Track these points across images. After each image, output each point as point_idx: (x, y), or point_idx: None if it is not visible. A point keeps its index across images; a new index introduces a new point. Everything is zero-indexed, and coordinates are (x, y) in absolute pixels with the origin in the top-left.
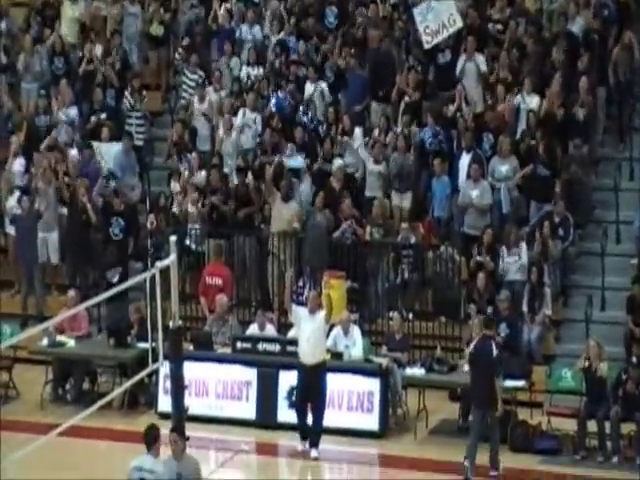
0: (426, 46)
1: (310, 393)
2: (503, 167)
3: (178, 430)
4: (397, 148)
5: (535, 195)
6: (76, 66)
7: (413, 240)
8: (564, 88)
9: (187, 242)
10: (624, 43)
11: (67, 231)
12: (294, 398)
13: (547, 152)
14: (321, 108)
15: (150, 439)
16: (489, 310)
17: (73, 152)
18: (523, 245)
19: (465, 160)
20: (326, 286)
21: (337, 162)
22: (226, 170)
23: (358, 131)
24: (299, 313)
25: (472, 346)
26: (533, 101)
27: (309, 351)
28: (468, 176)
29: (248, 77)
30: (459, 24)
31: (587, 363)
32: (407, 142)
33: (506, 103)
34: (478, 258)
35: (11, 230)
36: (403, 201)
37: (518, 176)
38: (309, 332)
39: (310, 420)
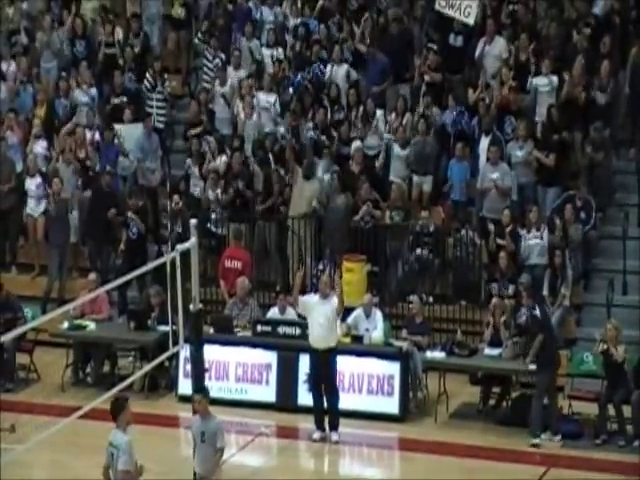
0: (437, 7)
1: (322, 377)
2: (520, 152)
3: (201, 391)
4: (418, 130)
5: (549, 179)
6: (96, 49)
7: (432, 227)
8: (585, 71)
9: (208, 225)
10: None
11: (88, 214)
12: (308, 383)
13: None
14: (343, 90)
15: (116, 410)
16: (510, 290)
17: (94, 135)
18: (544, 228)
19: (485, 143)
20: (345, 270)
21: (356, 144)
22: (247, 153)
23: (380, 113)
24: (308, 301)
25: (536, 312)
26: (553, 83)
27: (321, 336)
28: (487, 159)
29: (269, 58)
30: (470, 20)
31: (604, 346)
32: (428, 124)
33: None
34: (498, 240)
35: (33, 212)
36: (424, 184)
37: (536, 155)
38: (321, 317)
39: (326, 404)
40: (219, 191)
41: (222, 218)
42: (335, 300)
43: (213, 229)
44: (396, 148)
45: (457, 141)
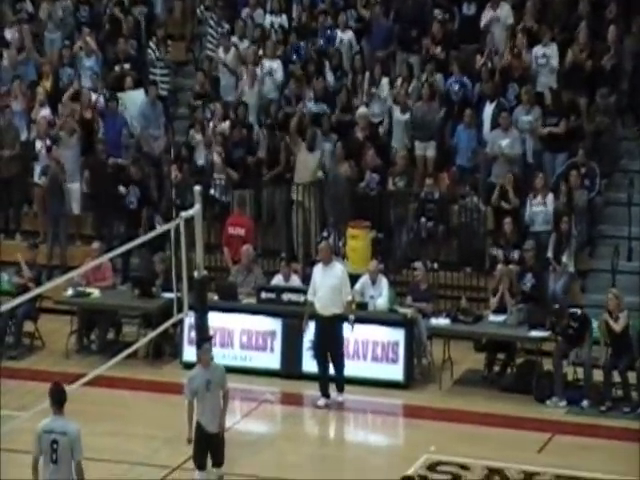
0: None
1: (328, 344)
2: (526, 117)
3: (208, 340)
4: (421, 97)
5: (558, 146)
6: (100, 16)
7: (437, 195)
8: (590, 37)
9: (212, 192)
10: None
11: (91, 182)
12: (313, 350)
13: (571, 102)
14: (347, 57)
15: (61, 398)
16: (515, 256)
17: (98, 99)
18: (549, 194)
19: (489, 110)
20: (350, 237)
21: (361, 110)
22: (250, 120)
23: (385, 80)
24: (314, 269)
25: None
26: (555, 51)
27: (325, 303)
28: (493, 126)
29: (272, 26)
30: None
31: (606, 316)
32: (432, 91)
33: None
34: (503, 204)
35: (40, 181)
36: (427, 150)
37: (544, 132)
38: (324, 284)
39: (332, 371)
40: (223, 156)
41: (226, 184)
42: (339, 267)
43: (217, 196)
44: (397, 113)
45: (462, 108)
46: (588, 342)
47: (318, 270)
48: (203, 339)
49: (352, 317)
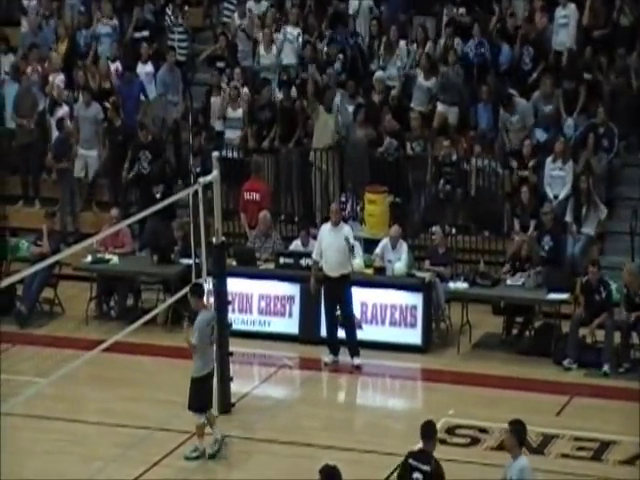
0: None
1: (336, 305)
2: (547, 107)
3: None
4: (445, 61)
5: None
6: None
7: (455, 157)
8: None
9: (229, 154)
10: None
11: (110, 148)
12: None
13: (589, 63)
14: (366, 23)
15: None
16: (532, 224)
17: (117, 67)
18: (568, 157)
19: None
20: (368, 201)
21: (378, 74)
22: (269, 84)
23: (402, 44)
24: (321, 230)
25: None
26: (575, 10)
27: (333, 264)
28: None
29: None
30: None
31: (625, 290)
32: (456, 55)
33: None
34: (520, 173)
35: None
36: (449, 114)
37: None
38: (332, 245)
39: (344, 336)
40: (240, 110)
41: (245, 148)
42: (347, 228)
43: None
44: (420, 78)
45: (480, 73)
46: (611, 310)
47: (325, 231)
48: (196, 284)
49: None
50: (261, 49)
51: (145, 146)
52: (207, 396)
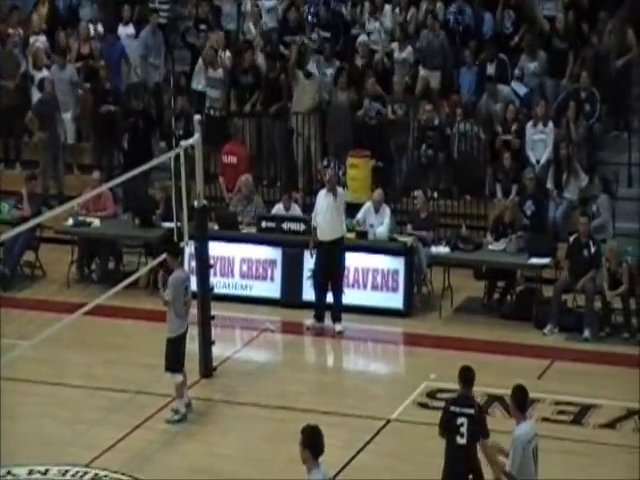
0: None
1: (329, 270)
2: (532, 64)
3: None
4: (426, 25)
5: (560, 71)
6: None
7: (437, 121)
8: None
9: (210, 113)
10: None
11: (92, 112)
12: (312, 278)
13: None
14: None
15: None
16: (514, 188)
17: (97, 29)
18: (549, 122)
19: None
20: (350, 166)
21: (361, 38)
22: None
23: (388, 8)
24: (319, 195)
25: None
26: None
27: (326, 228)
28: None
29: None
30: None
31: (607, 265)
32: (436, 20)
33: None
34: (503, 137)
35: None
36: (431, 79)
37: None
38: (326, 209)
39: (330, 298)
40: (221, 71)
41: (226, 111)
42: (341, 193)
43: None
44: (395, 53)
45: (463, 37)
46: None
47: (321, 196)
48: (171, 243)
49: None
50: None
51: (137, 113)
52: (182, 356)
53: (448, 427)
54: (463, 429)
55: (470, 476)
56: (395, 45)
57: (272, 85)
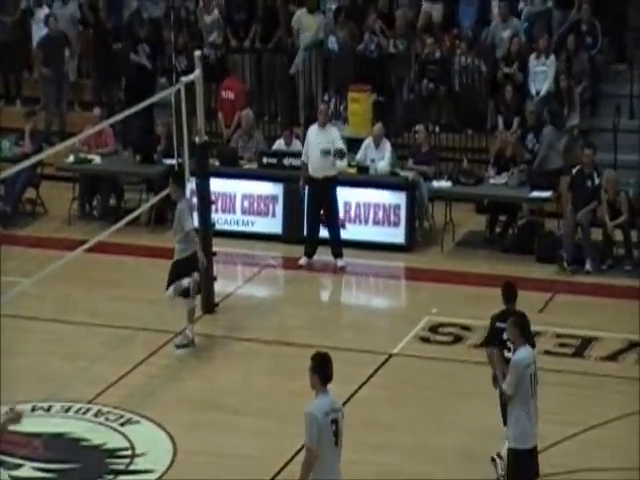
0: None
1: (320, 207)
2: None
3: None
4: None
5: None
6: None
7: (438, 54)
8: None
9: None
10: None
11: (93, 49)
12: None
13: None
14: None
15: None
16: (515, 121)
17: None
18: (551, 54)
19: None
20: (351, 100)
21: None
22: None
23: None
24: (308, 131)
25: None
26: None
27: (318, 164)
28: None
29: None
30: None
31: (606, 196)
32: None
33: None
34: (505, 70)
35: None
36: (433, 12)
37: None
38: (319, 146)
39: (328, 235)
40: (216, 12)
41: (225, 47)
42: (334, 130)
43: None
44: None
45: None
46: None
47: (312, 133)
48: (176, 173)
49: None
50: None
51: (144, 40)
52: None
53: (494, 342)
54: (509, 343)
55: None
56: None
57: (271, 20)
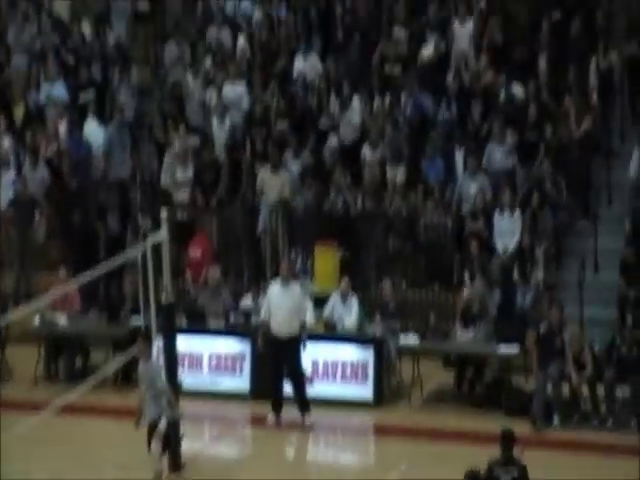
0: None
1: (285, 366)
2: (499, 153)
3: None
4: (391, 121)
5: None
6: (65, 42)
7: (405, 213)
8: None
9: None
10: None
11: (57, 210)
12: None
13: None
14: (314, 77)
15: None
16: (480, 276)
17: (62, 129)
18: (516, 209)
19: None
20: (318, 256)
21: (332, 140)
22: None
23: (356, 99)
24: (270, 288)
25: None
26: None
27: (284, 322)
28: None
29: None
30: None
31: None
32: (395, 117)
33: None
34: (471, 225)
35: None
36: (398, 175)
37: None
38: (283, 304)
39: (293, 392)
40: (190, 171)
41: (191, 208)
42: (297, 287)
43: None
44: (368, 152)
45: (424, 129)
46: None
47: (275, 290)
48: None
49: (305, 337)
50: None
51: (113, 207)
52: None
53: None
54: None
55: None
56: (366, 147)
57: (236, 178)
